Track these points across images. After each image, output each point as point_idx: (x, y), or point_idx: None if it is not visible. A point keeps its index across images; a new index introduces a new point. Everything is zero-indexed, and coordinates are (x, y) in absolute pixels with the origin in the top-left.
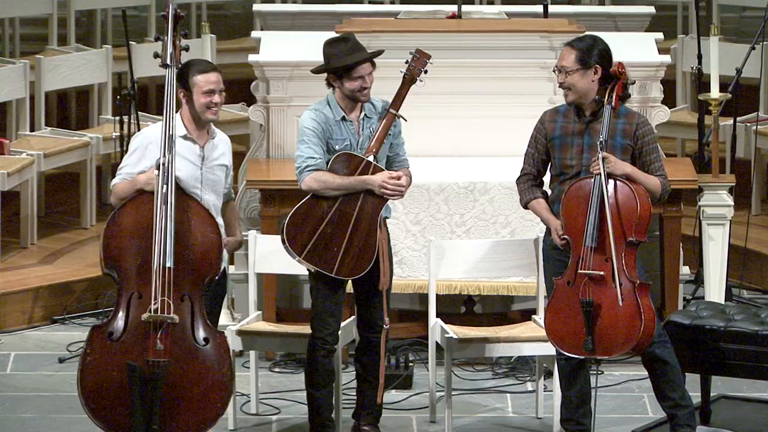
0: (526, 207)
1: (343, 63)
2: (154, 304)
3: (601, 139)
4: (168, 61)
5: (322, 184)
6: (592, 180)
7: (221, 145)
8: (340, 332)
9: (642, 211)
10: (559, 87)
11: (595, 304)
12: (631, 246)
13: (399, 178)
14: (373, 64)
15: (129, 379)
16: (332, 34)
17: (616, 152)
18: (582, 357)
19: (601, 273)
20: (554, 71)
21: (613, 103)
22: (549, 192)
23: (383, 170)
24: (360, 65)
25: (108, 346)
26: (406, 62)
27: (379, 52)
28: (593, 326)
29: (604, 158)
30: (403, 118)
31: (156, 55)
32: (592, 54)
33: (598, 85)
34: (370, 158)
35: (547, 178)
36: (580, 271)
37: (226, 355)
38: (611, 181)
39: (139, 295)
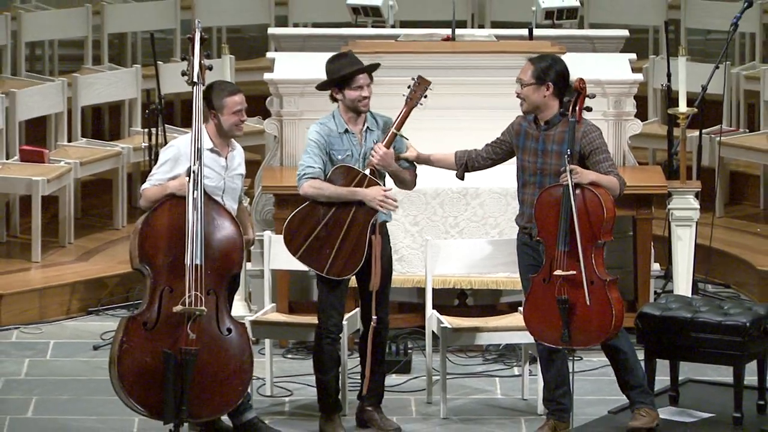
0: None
1: (342, 74)
2: (188, 298)
3: (568, 152)
4: (195, 79)
5: (317, 191)
6: (561, 189)
7: (238, 156)
8: (345, 322)
9: (608, 215)
10: (516, 96)
11: (570, 301)
12: (599, 247)
13: (393, 198)
14: (371, 77)
15: (164, 365)
16: None
17: (562, 157)
18: (560, 348)
19: (574, 272)
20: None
21: (576, 117)
22: (520, 194)
23: (378, 184)
24: (357, 75)
25: (143, 334)
26: (409, 87)
27: (375, 66)
28: (570, 320)
29: (571, 170)
30: (404, 137)
31: (183, 74)
32: (549, 73)
33: (552, 100)
34: (367, 172)
35: (514, 180)
36: (555, 273)
37: (247, 343)
38: (579, 190)
39: (170, 289)
